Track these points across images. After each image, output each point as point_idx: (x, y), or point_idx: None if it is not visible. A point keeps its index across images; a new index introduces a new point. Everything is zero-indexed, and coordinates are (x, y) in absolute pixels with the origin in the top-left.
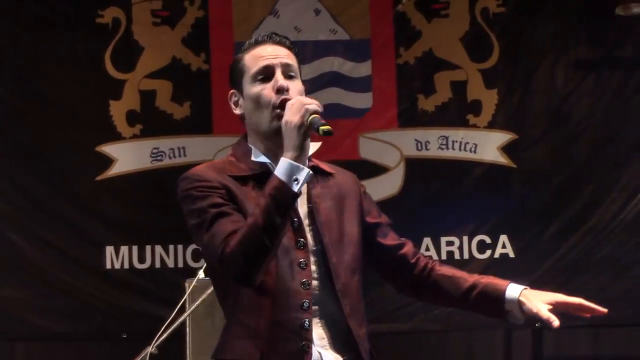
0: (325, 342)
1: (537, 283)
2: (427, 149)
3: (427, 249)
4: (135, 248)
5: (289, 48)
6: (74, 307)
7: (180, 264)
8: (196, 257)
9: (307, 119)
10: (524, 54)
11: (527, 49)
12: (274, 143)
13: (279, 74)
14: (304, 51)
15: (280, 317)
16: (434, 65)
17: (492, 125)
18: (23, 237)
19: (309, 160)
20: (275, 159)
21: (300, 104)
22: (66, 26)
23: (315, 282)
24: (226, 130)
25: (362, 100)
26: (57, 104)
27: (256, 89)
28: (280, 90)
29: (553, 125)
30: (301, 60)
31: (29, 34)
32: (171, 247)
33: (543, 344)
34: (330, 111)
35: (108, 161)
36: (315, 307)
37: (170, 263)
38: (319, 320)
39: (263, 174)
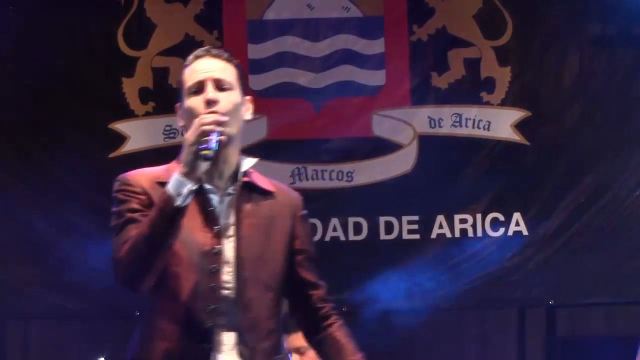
0: (229, 347)
1: (551, 261)
2: (440, 127)
3: (441, 227)
4: None
5: (227, 60)
6: (87, 284)
7: None
8: None
9: (200, 139)
10: (538, 30)
11: (540, 25)
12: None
13: (209, 87)
14: (316, 29)
15: (186, 319)
16: (447, 42)
17: (505, 103)
18: (36, 214)
19: (246, 175)
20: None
21: (198, 124)
22: (79, 3)
23: (226, 291)
24: None
25: (375, 78)
26: (69, 81)
27: (189, 102)
28: (209, 103)
29: (567, 103)
30: (314, 38)
31: (42, 11)
32: None
33: (557, 323)
34: (343, 89)
35: (121, 138)
36: (223, 314)
37: None
38: (226, 327)
39: None
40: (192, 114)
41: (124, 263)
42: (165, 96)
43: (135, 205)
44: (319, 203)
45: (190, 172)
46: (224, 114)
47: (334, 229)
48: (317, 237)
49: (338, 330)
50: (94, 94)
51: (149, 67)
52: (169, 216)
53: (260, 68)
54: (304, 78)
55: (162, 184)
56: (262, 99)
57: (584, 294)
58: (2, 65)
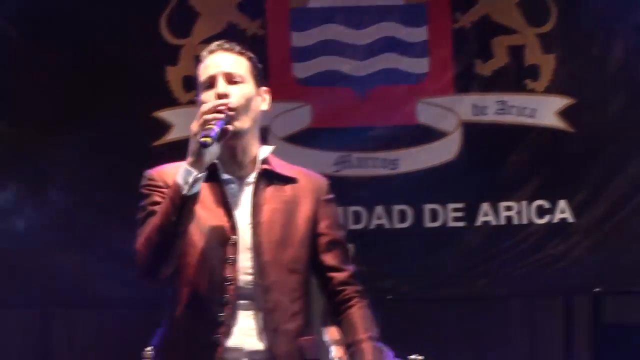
0: (253, 332)
1: (597, 248)
2: (484, 114)
3: (486, 215)
4: None
5: (238, 53)
6: (134, 273)
7: None
8: None
9: (202, 128)
10: (582, 17)
11: (585, 12)
12: (220, 146)
13: (220, 81)
14: (360, 16)
15: (200, 310)
16: (490, 30)
17: (550, 90)
18: (83, 202)
19: (264, 162)
20: (222, 161)
21: (201, 113)
22: None
23: (247, 277)
24: (282, 96)
25: (418, 66)
26: (113, 69)
27: (202, 96)
28: (219, 97)
29: (612, 90)
30: (357, 26)
31: (85, 0)
32: None
33: (603, 311)
34: (387, 76)
35: (165, 127)
36: (243, 302)
37: None
38: (250, 313)
39: (210, 174)
40: None
41: (140, 254)
42: None
43: (157, 199)
44: (364, 190)
45: (195, 161)
46: (234, 107)
47: (379, 217)
48: (361, 225)
49: (357, 312)
50: (138, 82)
51: (192, 55)
52: (179, 205)
53: (304, 56)
54: (347, 66)
55: None
56: (305, 87)
57: (630, 282)
58: (47, 53)
